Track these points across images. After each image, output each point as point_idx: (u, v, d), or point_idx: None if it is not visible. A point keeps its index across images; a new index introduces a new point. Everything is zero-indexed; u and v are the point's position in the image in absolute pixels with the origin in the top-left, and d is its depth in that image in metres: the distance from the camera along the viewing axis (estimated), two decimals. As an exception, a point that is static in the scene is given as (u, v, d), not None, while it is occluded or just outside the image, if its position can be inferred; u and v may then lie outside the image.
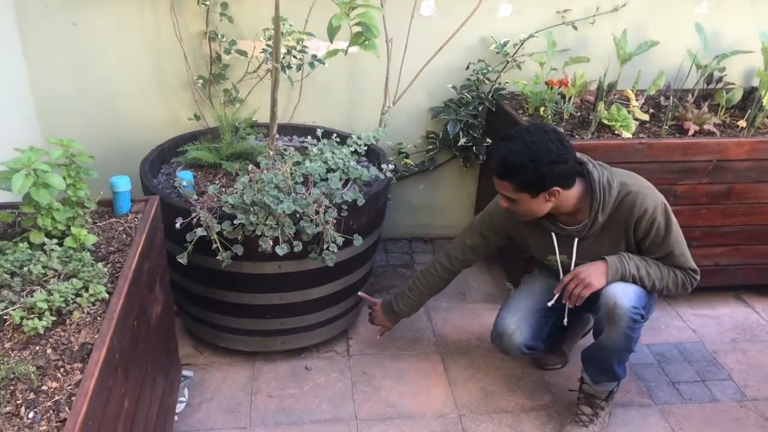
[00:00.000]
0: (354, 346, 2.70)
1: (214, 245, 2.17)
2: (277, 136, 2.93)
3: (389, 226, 3.37)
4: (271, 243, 2.16)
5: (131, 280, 1.66)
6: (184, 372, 2.40)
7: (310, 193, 2.21)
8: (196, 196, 2.26)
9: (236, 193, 2.15)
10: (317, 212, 2.19)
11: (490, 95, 3.03)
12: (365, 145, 2.73)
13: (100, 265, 1.65)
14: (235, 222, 2.13)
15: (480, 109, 3.05)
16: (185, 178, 2.41)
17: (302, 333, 2.53)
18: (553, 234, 2.15)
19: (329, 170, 2.54)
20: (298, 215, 2.17)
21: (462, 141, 3.05)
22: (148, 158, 2.58)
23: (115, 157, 2.93)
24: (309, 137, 2.75)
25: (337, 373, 2.54)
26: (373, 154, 2.77)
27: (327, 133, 2.79)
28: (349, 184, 2.51)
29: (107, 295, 1.60)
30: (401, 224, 3.47)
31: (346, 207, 2.27)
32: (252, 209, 2.13)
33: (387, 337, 2.71)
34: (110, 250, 1.83)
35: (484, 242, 2.33)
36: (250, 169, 2.23)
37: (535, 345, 2.31)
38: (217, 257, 2.17)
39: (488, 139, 3.07)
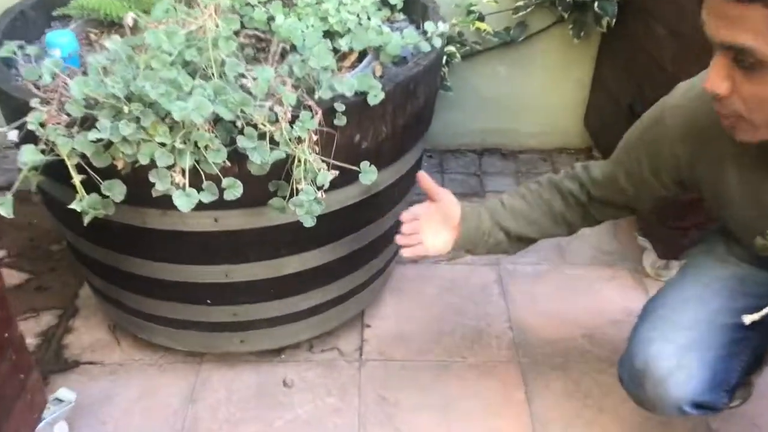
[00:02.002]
0: (371, 341, 1.59)
1: (73, 178, 1.08)
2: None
3: (447, 131, 2.23)
4: (175, 180, 1.04)
5: None
6: (61, 394, 1.37)
7: (256, 80, 1.05)
8: (48, 80, 1.14)
9: (95, 71, 1.02)
10: (276, 119, 1.05)
11: None
12: (403, -9, 1.54)
13: None
14: (92, 136, 1.01)
15: (611, -65, 1.79)
16: (55, 44, 1.29)
17: (273, 328, 1.44)
18: None
19: (328, 34, 1.37)
20: (234, 125, 1.04)
21: (575, -7, 1.82)
22: (15, 8, 1.46)
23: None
24: (301, -26, 1.56)
25: (334, 397, 1.46)
26: (415, 10, 1.57)
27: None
28: (363, 63, 1.34)
29: None
30: (467, 128, 2.28)
31: (343, 109, 1.12)
32: (128, 109, 1.00)
33: (426, 330, 1.61)
34: None
35: (640, 181, 1.10)
36: (130, 23, 1.07)
37: (715, 400, 1.14)
38: (72, 205, 1.08)
39: (621, -9, 1.81)
